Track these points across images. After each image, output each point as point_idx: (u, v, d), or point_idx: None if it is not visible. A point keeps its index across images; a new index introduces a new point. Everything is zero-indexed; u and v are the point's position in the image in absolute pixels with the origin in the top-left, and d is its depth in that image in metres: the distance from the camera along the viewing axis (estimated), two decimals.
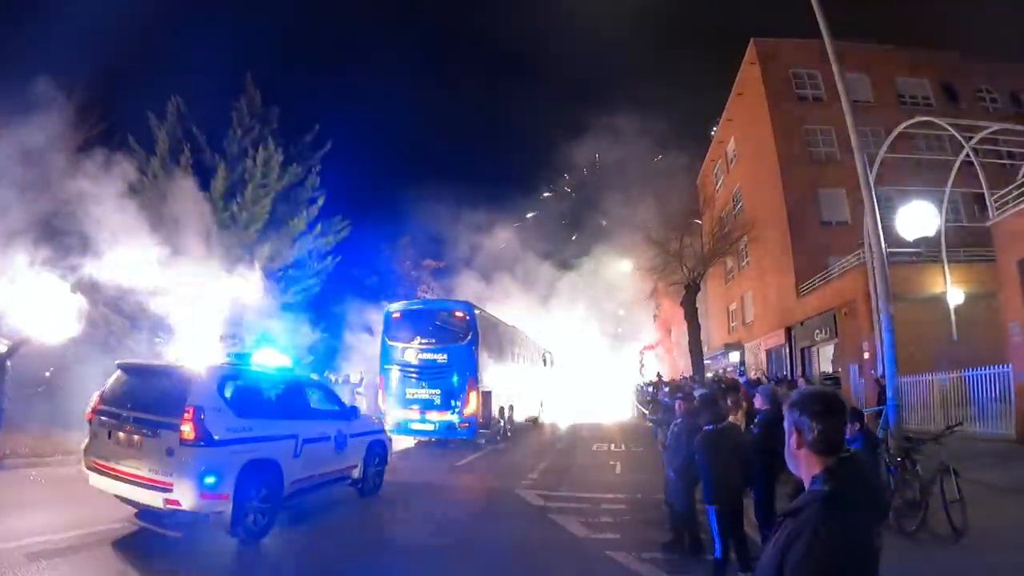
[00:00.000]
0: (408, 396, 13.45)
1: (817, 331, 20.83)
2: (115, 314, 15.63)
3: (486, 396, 14.05)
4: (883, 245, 8.71)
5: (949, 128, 15.66)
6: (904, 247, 20.34)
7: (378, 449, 8.48)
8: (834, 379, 19.01)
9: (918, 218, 8.91)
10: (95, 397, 6.30)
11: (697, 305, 23.73)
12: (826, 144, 25.21)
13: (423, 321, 14.18)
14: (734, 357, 28.97)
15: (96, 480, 5.87)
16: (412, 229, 29.62)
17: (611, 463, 12.28)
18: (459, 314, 14.18)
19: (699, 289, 23.45)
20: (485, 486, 9.89)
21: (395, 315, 14.42)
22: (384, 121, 64.44)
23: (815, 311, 20.91)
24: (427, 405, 13.37)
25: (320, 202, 17.35)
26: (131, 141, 14.30)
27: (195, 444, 5.48)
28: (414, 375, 13.61)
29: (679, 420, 6.33)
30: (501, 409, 15.38)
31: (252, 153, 16.06)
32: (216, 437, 5.62)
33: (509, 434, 15.94)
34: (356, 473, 7.97)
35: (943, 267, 18.49)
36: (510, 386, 16.44)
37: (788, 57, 26.17)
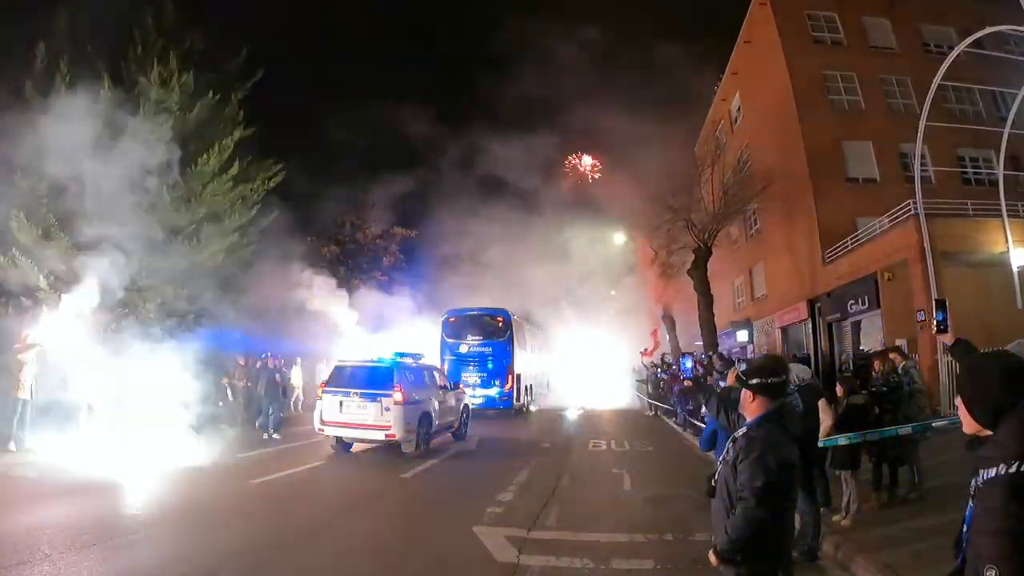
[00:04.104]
0: (462, 378, 16.68)
1: (851, 301, 17.54)
2: None
3: (518, 378, 18.27)
4: None
5: None
6: (953, 199, 17.39)
7: (466, 410, 12.87)
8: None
9: None
10: (320, 383, 11.22)
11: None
12: (848, 92, 22.14)
13: (473, 323, 18.53)
14: (742, 336, 25.81)
15: (331, 431, 10.21)
16: (377, 190, 25.70)
17: (615, 471, 9.13)
18: (499, 319, 18.56)
19: (710, 254, 20.14)
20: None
21: (451, 320, 18.72)
22: (342, 57, 57.69)
23: (848, 277, 17.65)
24: (476, 384, 17.25)
25: (238, 134, 13.40)
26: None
27: (402, 404, 9.90)
28: (466, 363, 17.88)
29: (749, 425, 2.81)
30: (526, 388, 19.49)
31: (150, 71, 12.36)
32: (410, 400, 10.10)
33: (529, 408, 19.64)
34: (456, 425, 12.18)
35: (1003, 223, 15.42)
36: (531, 370, 20.37)
37: None
